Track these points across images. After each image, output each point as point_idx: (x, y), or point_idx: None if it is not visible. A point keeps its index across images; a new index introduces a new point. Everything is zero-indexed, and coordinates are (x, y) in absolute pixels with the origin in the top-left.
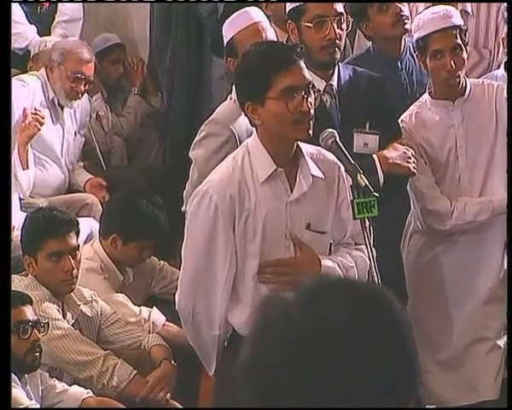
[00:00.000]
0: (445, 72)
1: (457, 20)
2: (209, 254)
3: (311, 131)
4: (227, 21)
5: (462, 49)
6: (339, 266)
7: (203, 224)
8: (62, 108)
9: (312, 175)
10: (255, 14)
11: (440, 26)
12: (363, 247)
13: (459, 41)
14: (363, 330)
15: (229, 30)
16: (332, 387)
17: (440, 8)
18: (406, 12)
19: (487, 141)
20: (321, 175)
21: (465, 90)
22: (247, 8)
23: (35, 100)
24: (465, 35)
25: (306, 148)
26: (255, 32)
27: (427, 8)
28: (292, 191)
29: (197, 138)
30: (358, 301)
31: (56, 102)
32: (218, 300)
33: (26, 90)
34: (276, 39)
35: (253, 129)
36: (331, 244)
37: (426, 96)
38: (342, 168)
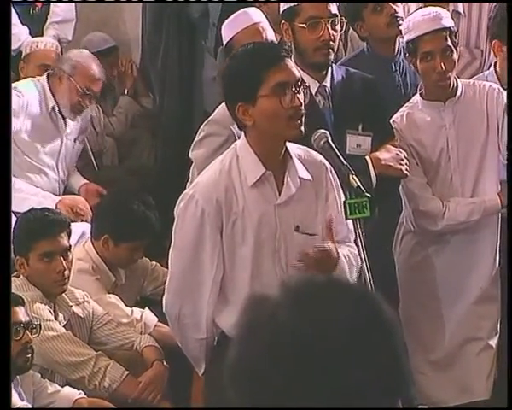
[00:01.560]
0: (435, 74)
1: (448, 21)
2: (195, 258)
3: (302, 128)
4: (226, 22)
5: (452, 51)
6: (347, 260)
7: (189, 228)
8: (63, 117)
9: (300, 177)
10: (255, 14)
11: (430, 29)
12: (353, 245)
13: (449, 43)
14: (351, 330)
15: (228, 30)
16: (319, 387)
17: (430, 10)
18: (401, 13)
19: (478, 141)
20: (309, 177)
21: (456, 91)
22: (246, 9)
23: (30, 112)
24: (455, 37)
25: (294, 149)
26: (255, 33)
27: (419, 8)
28: (280, 194)
29: (197, 139)
30: (345, 302)
31: (57, 110)
32: (204, 304)
33: (20, 102)
34: (275, 40)
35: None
36: None
37: (417, 97)
38: (330, 169)
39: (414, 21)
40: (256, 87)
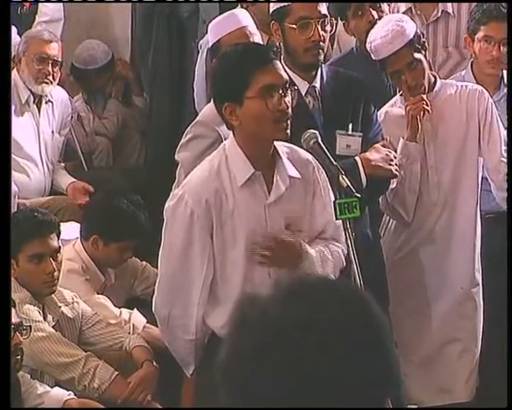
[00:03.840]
0: (405, 86)
1: (408, 33)
2: (185, 260)
3: (288, 131)
4: (214, 23)
5: (419, 61)
6: (319, 255)
7: (179, 228)
8: (39, 108)
9: (289, 176)
10: (243, 17)
11: (390, 51)
12: (340, 244)
13: (415, 55)
14: (341, 329)
15: (215, 32)
16: (309, 385)
17: (388, 30)
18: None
19: (457, 138)
20: (298, 175)
21: (434, 87)
22: (234, 11)
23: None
24: (419, 41)
25: (281, 147)
26: (242, 36)
27: (408, 8)
28: (270, 193)
29: (183, 140)
30: (335, 300)
31: (31, 102)
32: (194, 305)
33: None
34: (262, 43)
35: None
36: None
37: (397, 96)
38: (317, 167)
39: (374, 44)
40: (243, 88)
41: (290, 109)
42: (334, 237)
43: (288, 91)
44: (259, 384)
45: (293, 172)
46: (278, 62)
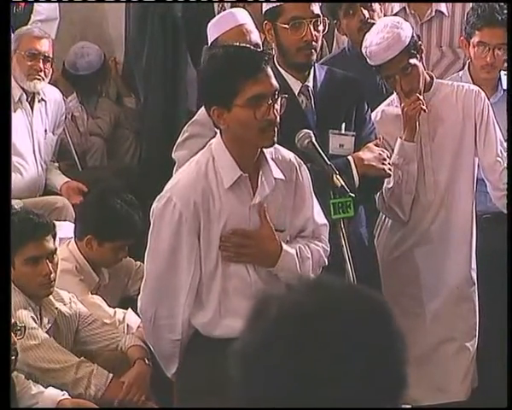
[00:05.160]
0: (400, 90)
1: (404, 39)
2: (173, 262)
3: (275, 139)
4: (212, 22)
5: (413, 66)
6: (297, 254)
7: (167, 232)
8: (32, 107)
9: (274, 178)
10: (240, 15)
11: (386, 59)
12: (321, 243)
13: (410, 60)
14: (354, 330)
15: (213, 30)
16: (317, 381)
17: (382, 38)
18: (372, 19)
19: (453, 139)
20: (282, 176)
21: (430, 88)
22: (232, 10)
23: None
24: (415, 47)
25: (266, 149)
26: (239, 35)
27: (402, 8)
28: (254, 195)
29: (180, 139)
30: (353, 303)
31: (24, 100)
32: (181, 306)
33: None
34: (260, 42)
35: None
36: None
37: (394, 95)
38: (300, 167)
39: (370, 50)
40: (232, 96)
41: (278, 118)
42: (315, 236)
43: (278, 99)
44: (270, 377)
45: (277, 173)
46: (269, 70)
